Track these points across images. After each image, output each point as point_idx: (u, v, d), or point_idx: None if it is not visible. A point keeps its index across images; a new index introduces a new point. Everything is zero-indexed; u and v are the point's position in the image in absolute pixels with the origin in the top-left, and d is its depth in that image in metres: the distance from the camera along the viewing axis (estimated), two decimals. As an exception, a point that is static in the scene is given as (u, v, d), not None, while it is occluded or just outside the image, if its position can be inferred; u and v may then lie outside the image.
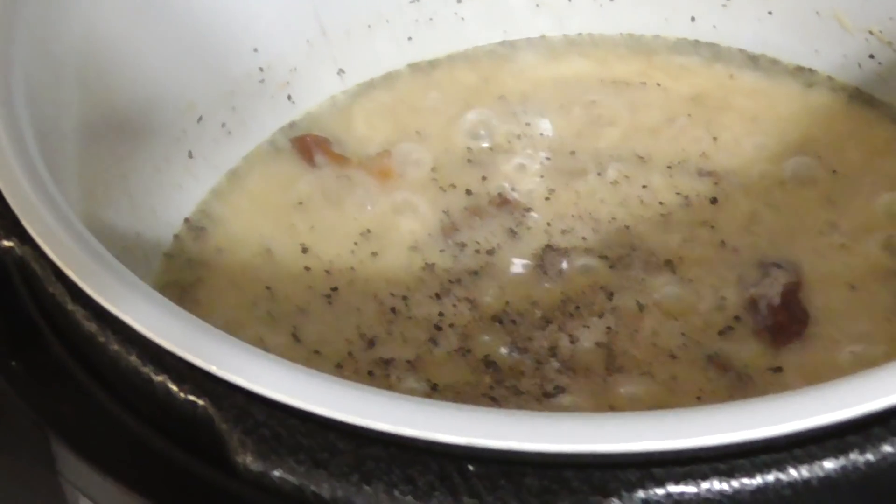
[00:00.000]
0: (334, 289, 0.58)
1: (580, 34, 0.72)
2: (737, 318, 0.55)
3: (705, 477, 0.33)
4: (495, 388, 0.53)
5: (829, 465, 0.33)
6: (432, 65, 0.72)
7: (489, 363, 0.54)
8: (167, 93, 0.62)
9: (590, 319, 0.55)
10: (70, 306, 0.40)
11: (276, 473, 0.34)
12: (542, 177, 0.63)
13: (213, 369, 0.36)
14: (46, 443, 0.40)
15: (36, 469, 0.41)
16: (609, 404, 0.51)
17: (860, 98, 0.67)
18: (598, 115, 0.67)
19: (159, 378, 0.37)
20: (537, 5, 0.72)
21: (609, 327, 0.55)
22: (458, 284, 0.58)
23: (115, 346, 0.38)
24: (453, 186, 0.63)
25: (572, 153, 0.65)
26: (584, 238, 0.60)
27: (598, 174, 0.63)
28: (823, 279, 0.56)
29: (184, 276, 0.59)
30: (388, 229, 0.61)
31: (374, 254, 0.60)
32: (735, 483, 0.33)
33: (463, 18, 0.72)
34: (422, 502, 0.33)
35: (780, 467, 0.33)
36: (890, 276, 0.56)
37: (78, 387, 0.41)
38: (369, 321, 0.56)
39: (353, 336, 0.56)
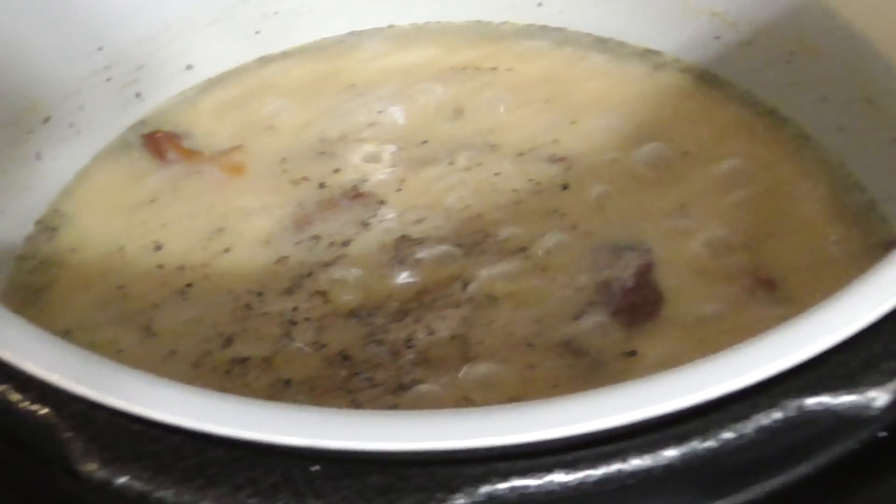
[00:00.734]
0: (188, 285, 0.57)
1: (428, 22, 0.72)
2: (591, 302, 0.55)
3: (549, 469, 0.34)
4: (350, 380, 0.52)
5: (671, 452, 0.34)
6: (281, 57, 0.71)
7: (345, 357, 0.53)
8: (7, 93, 0.60)
9: (445, 311, 0.55)
10: None
11: (121, 480, 0.34)
12: (394, 167, 0.63)
13: (55, 378, 0.36)
14: None
15: None
16: (464, 395, 0.51)
17: (707, 79, 0.68)
18: (448, 102, 0.67)
19: (1, 388, 0.37)
20: (383, -6, 0.72)
21: (465, 317, 0.55)
22: (312, 278, 0.57)
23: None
24: (306, 179, 0.63)
25: (424, 142, 0.64)
26: (437, 227, 0.59)
27: (450, 163, 0.63)
28: (674, 260, 0.57)
29: (36, 278, 0.58)
30: (241, 224, 0.61)
31: (227, 249, 0.59)
32: (579, 474, 0.34)
33: (310, 10, 0.71)
34: (268, 504, 0.33)
35: (623, 457, 0.34)
36: (740, 255, 0.57)
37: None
38: (225, 318, 0.56)
39: (209, 334, 0.55)
